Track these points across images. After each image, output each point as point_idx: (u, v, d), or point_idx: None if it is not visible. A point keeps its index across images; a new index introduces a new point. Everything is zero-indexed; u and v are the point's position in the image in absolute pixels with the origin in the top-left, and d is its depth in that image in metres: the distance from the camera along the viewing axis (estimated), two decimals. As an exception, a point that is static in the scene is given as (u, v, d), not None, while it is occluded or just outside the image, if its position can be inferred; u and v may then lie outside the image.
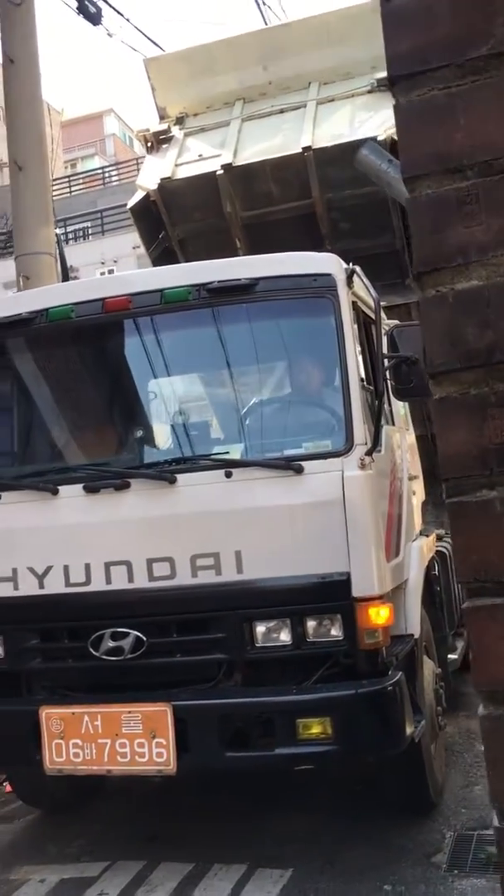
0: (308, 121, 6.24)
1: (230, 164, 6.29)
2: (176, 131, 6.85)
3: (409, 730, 3.59)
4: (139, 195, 6.83)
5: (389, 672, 3.57)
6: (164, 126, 6.88)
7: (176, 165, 6.59)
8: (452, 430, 1.09)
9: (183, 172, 6.56)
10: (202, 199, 6.49)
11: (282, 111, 6.52)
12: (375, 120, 5.94)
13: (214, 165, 6.37)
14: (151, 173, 6.73)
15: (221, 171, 6.31)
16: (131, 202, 6.96)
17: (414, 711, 3.75)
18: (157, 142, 6.84)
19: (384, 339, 3.94)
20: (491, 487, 1.08)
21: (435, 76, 1.06)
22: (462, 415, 1.08)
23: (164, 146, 6.80)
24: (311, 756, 3.60)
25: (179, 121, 6.94)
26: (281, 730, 3.50)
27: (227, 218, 6.47)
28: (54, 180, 13.88)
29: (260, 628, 3.60)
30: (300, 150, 6.09)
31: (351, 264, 3.83)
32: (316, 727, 3.45)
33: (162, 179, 6.54)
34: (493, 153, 1.03)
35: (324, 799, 4.60)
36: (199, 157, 6.58)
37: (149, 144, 6.94)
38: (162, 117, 7.07)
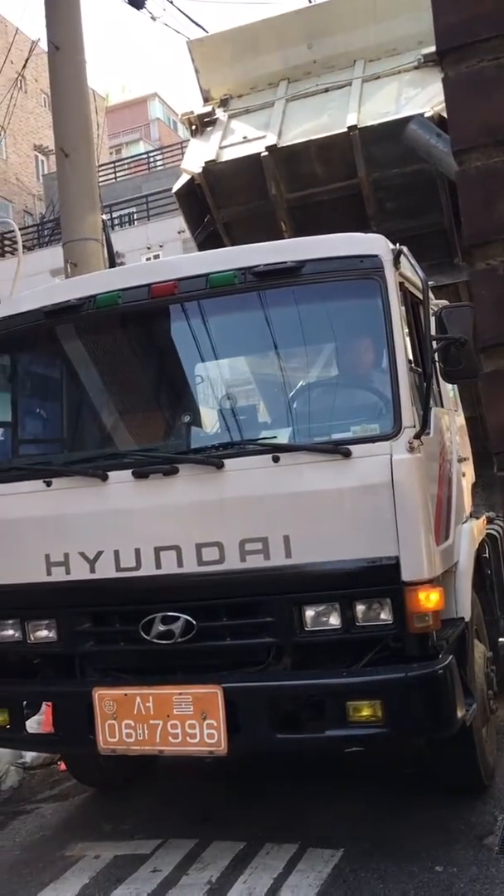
0: (354, 99, 6.16)
1: (275, 146, 6.25)
2: (220, 113, 6.81)
3: (460, 713, 3.57)
4: (184, 179, 6.82)
5: (440, 655, 3.55)
6: (208, 108, 6.86)
7: (220, 148, 6.57)
8: (502, 403, 1.08)
9: (227, 155, 6.54)
10: (247, 182, 6.46)
11: (327, 90, 6.45)
12: (422, 96, 5.83)
13: (259, 147, 6.33)
14: (196, 157, 6.71)
15: (266, 153, 6.27)
16: (176, 186, 6.95)
17: (465, 695, 3.72)
18: (201, 124, 6.82)
19: (432, 321, 3.89)
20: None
21: (484, 47, 1.04)
22: None
23: (209, 129, 6.79)
24: (362, 738, 3.60)
25: (223, 103, 6.91)
26: (331, 712, 3.51)
27: (272, 200, 6.43)
28: (99, 166, 13.93)
29: (309, 612, 3.61)
30: (346, 130, 6.02)
31: (398, 245, 3.78)
32: (366, 710, 3.46)
33: (206, 162, 6.52)
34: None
35: (374, 781, 4.62)
36: (243, 138, 6.55)
37: (193, 127, 6.92)
38: (206, 100, 7.04)
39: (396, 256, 3.74)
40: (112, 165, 30.78)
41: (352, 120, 6.04)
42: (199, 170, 6.55)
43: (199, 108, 6.95)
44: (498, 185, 1.05)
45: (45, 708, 4.31)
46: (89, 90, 7.92)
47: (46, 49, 7.82)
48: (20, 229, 13.87)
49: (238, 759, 4.18)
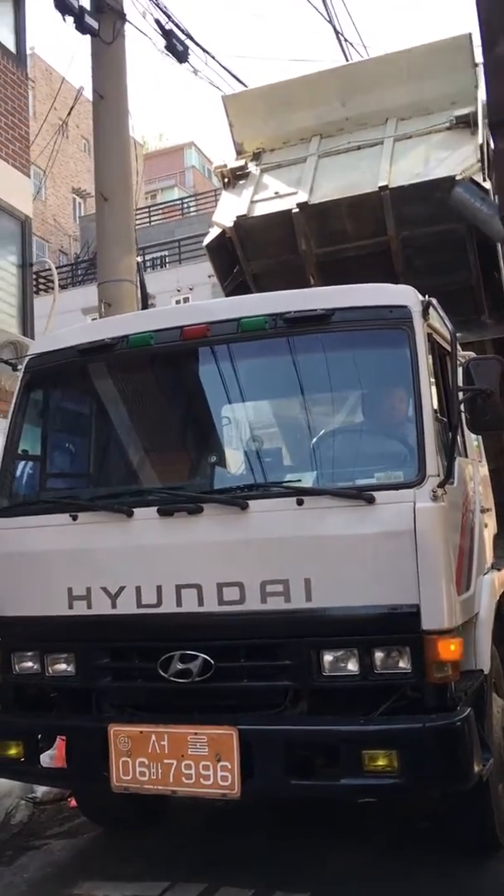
0: (385, 158, 6.24)
1: (306, 203, 6.31)
2: (252, 167, 6.91)
3: (476, 767, 3.53)
4: (215, 232, 6.89)
5: (458, 707, 3.52)
6: (240, 162, 6.96)
7: (252, 202, 6.65)
8: None
9: (259, 210, 6.61)
10: (277, 236, 6.53)
11: (359, 147, 6.53)
12: (454, 158, 5.91)
13: (290, 203, 6.40)
14: (227, 210, 6.81)
15: (297, 210, 6.33)
16: (207, 239, 7.02)
17: (482, 749, 3.69)
18: (233, 178, 6.92)
19: (459, 372, 3.93)
20: None
21: None
22: None
23: (241, 182, 6.89)
24: (376, 788, 3.56)
25: (256, 156, 7.01)
26: (346, 760, 3.48)
27: (301, 255, 6.51)
28: (136, 210, 14.23)
29: (327, 657, 3.60)
30: (377, 189, 6.09)
31: (427, 296, 3.85)
32: (382, 760, 3.43)
33: (238, 217, 6.60)
34: None
35: (387, 833, 4.55)
36: (275, 194, 6.63)
37: (225, 180, 7.03)
38: (239, 153, 7.16)
39: (425, 308, 3.81)
40: (147, 210, 31.41)
41: (383, 180, 6.09)
42: (231, 224, 6.63)
43: (232, 162, 7.06)
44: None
45: (58, 742, 4.31)
46: (130, 138, 8.16)
47: (90, 97, 8.09)
48: (56, 268, 14.17)
49: (251, 803, 4.14)
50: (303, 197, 6.36)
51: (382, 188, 6.07)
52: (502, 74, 0.98)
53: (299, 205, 6.33)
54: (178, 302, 21.88)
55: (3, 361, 5.24)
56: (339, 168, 6.51)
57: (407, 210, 6.11)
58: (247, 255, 6.77)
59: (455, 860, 4.16)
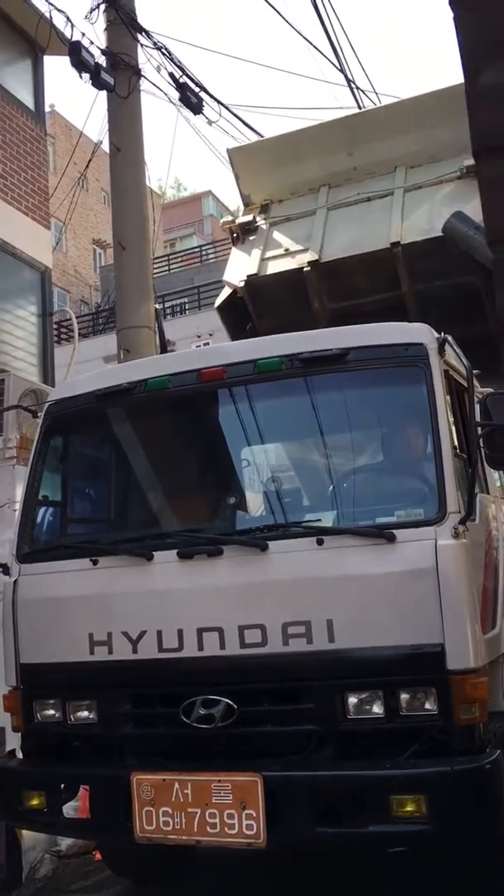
0: (396, 211, 6.16)
1: (317, 261, 6.23)
2: (261, 221, 6.82)
3: (508, 812, 3.43)
4: (226, 292, 6.83)
5: (487, 749, 3.44)
6: (248, 217, 6.88)
7: (262, 260, 6.57)
8: None
9: (270, 268, 6.54)
10: (289, 294, 6.44)
11: (368, 199, 6.46)
12: (466, 211, 5.84)
13: (301, 261, 6.33)
14: (238, 269, 6.74)
15: (308, 268, 6.26)
16: (218, 301, 6.98)
17: (513, 793, 3.58)
18: (242, 233, 6.83)
19: (477, 408, 3.92)
20: None
21: None
22: None
23: (251, 238, 6.80)
24: (405, 836, 3.47)
25: (264, 208, 6.92)
26: (374, 806, 3.40)
27: (314, 313, 6.43)
28: (154, 259, 14.46)
29: (352, 699, 3.54)
30: (388, 246, 6.02)
31: (443, 333, 3.85)
32: (410, 805, 3.34)
33: (248, 276, 6.53)
34: None
35: (423, 881, 4.41)
36: (285, 251, 6.55)
37: (234, 235, 6.93)
38: (246, 204, 7.10)
39: (441, 345, 3.81)
40: (166, 258, 31.90)
41: (395, 236, 6.03)
42: (241, 283, 6.56)
43: (241, 217, 6.96)
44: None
45: (82, 793, 4.24)
46: (147, 189, 8.32)
47: (107, 150, 8.27)
48: (77, 318, 14.38)
49: (279, 851, 4.04)
50: (314, 255, 6.28)
51: (394, 245, 6.01)
52: (485, 103, 0.99)
53: (310, 263, 6.26)
54: (198, 347, 22.07)
55: (24, 408, 5.28)
56: (349, 222, 6.43)
57: (420, 265, 6.03)
58: (259, 312, 6.68)
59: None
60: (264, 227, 6.82)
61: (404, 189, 6.34)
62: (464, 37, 1.07)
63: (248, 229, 6.86)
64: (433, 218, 6.06)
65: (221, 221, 7.75)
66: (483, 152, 1.14)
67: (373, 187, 6.51)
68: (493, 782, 3.37)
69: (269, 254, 6.64)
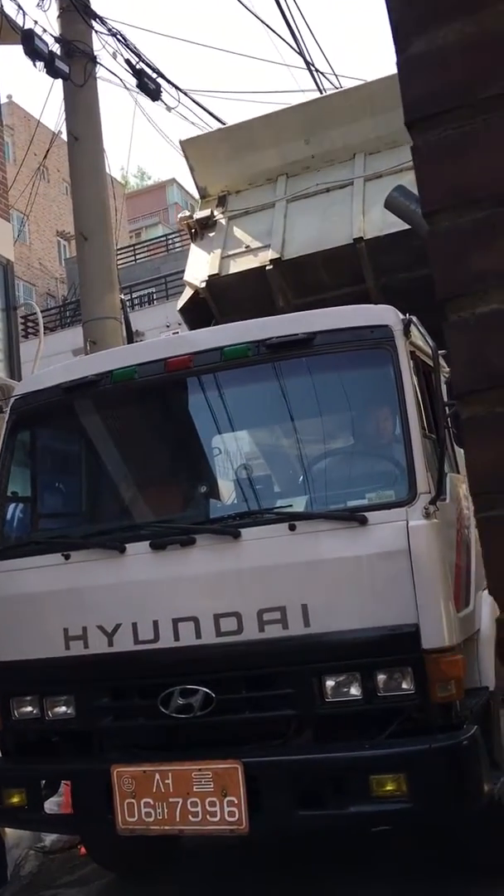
0: (357, 203, 6.05)
1: (279, 259, 6.11)
2: (219, 215, 6.63)
3: (486, 787, 3.46)
4: (187, 293, 6.64)
5: (464, 726, 3.47)
6: (206, 212, 6.68)
7: (223, 258, 6.40)
8: (480, 448, 1.13)
9: (231, 267, 6.37)
10: (252, 292, 6.28)
11: (328, 190, 6.31)
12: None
13: (263, 260, 6.19)
14: (198, 267, 6.56)
15: (271, 266, 6.14)
16: (180, 302, 6.78)
17: (492, 767, 3.63)
18: (200, 228, 6.63)
19: (444, 387, 3.93)
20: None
21: (448, 117, 1.12)
22: (488, 433, 1.11)
23: (210, 234, 6.61)
24: (387, 815, 3.49)
25: (221, 201, 6.73)
26: (354, 787, 3.42)
27: (279, 310, 6.37)
28: (119, 249, 14.34)
29: (329, 683, 3.55)
30: (351, 242, 5.93)
31: (407, 314, 3.85)
32: (390, 784, 3.36)
33: (210, 276, 6.37)
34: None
35: (403, 861, 4.45)
36: (246, 248, 6.40)
37: (193, 231, 6.72)
38: (203, 196, 6.90)
39: (406, 326, 3.80)
40: (132, 248, 31.66)
41: (357, 231, 5.93)
42: (203, 284, 6.40)
43: (198, 212, 6.74)
44: (465, 243, 1.10)
45: (64, 788, 4.23)
46: (107, 177, 8.24)
47: (66, 139, 8.18)
48: (42, 311, 14.25)
49: (262, 837, 4.05)
50: (275, 253, 6.14)
51: (357, 240, 5.92)
52: (417, 74, 0.99)
53: (272, 261, 6.14)
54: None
55: (-10, 404, 5.22)
56: (310, 214, 6.28)
57: (384, 259, 5.92)
58: (222, 312, 6.49)
59: (475, 884, 4.07)
60: (223, 221, 6.63)
61: (364, 178, 6.21)
62: (394, 10, 1.07)
63: (206, 224, 6.65)
64: None
65: (178, 217, 7.61)
66: (415, 122, 1.14)
67: (332, 176, 6.36)
68: (470, 758, 3.40)
69: (229, 252, 6.46)
